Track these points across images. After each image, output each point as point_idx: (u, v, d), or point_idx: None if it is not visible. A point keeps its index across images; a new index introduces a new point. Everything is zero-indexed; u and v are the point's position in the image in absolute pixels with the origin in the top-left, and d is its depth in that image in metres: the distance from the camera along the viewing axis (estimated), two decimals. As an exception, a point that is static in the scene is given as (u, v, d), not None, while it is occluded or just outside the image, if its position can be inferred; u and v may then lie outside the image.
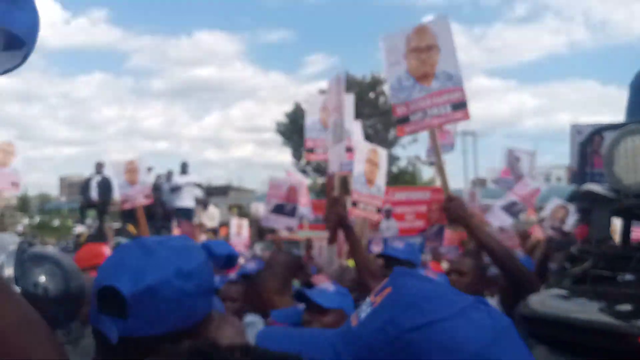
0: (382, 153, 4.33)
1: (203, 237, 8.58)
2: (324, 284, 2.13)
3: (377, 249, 4.73)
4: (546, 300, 1.75)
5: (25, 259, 1.60)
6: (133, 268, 0.88)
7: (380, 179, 4.23)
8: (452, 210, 2.38)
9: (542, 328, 1.64)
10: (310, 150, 4.89)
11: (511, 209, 5.21)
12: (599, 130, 2.94)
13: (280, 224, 6.06)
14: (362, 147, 4.27)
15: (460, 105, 2.73)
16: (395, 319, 0.60)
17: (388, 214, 4.66)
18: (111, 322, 0.85)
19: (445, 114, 2.75)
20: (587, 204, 2.23)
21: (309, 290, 2.04)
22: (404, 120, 2.87)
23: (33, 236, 14.13)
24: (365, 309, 0.66)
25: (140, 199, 5.47)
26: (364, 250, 2.65)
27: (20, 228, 18.22)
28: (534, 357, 0.96)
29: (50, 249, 2.18)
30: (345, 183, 4.10)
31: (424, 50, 2.82)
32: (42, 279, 1.62)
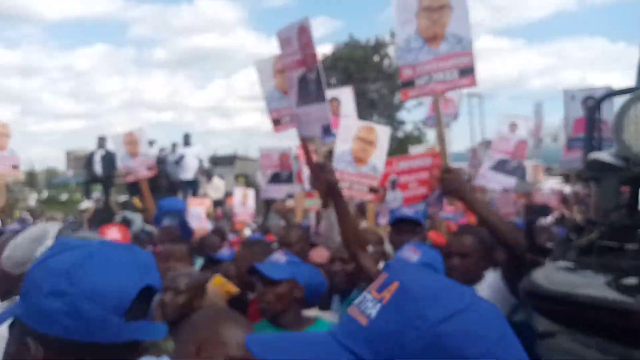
0: (381, 131, 4.18)
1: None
2: (276, 256, 2.24)
3: (384, 220, 4.71)
4: (551, 275, 1.70)
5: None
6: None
7: (377, 158, 4.09)
8: (448, 183, 2.31)
9: (548, 304, 1.60)
10: (277, 122, 4.63)
11: (504, 168, 5.01)
12: (608, 96, 2.85)
13: (280, 192, 6.02)
14: (351, 125, 4.14)
15: (467, 71, 2.63)
16: (423, 312, 0.61)
17: (393, 185, 4.62)
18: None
19: (451, 80, 2.65)
20: (594, 172, 2.15)
21: (259, 265, 2.14)
22: (409, 83, 2.78)
23: (40, 212, 14.27)
24: (372, 306, 0.65)
25: (142, 171, 5.52)
26: (353, 220, 2.50)
27: (31, 204, 18.43)
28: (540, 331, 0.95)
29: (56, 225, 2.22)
30: (331, 154, 4.00)
31: (436, 9, 2.72)
32: None
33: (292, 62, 2.73)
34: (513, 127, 7.79)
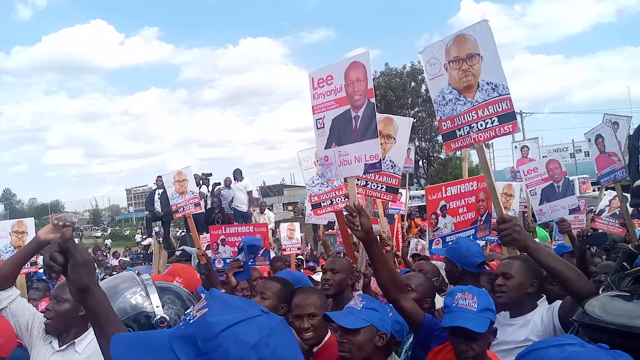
0: (401, 123, 3.77)
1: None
2: (354, 301, 2.18)
3: (436, 246, 4.75)
4: (607, 305, 1.66)
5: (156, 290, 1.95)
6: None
7: (396, 153, 3.70)
8: (506, 233, 2.16)
9: (605, 335, 1.50)
10: (318, 205, 4.63)
11: (554, 195, 4.79)
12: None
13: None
14: None
15: (507, 117, 2.61)
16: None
17: (444, 211, 4.62)
18: None
19: (492, 128, 2.65)
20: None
21: (334, 314, 2.11)
22: (450, 135, 2.79)
23: (106, 248, 15.07)
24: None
25: (189, 208, 5.89)
26: (389, 265, 2.30)
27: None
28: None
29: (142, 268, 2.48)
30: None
31: (465, 60, 2.72)
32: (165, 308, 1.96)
33: (330, 102, 2.67)
34: (524, 151, 7.78)
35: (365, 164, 2.57)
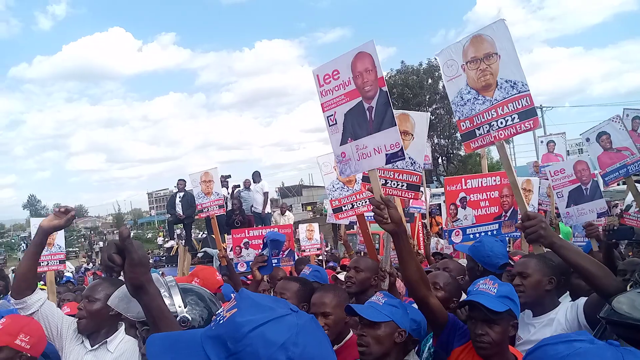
0: (419, 118, 3.68)
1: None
2: (376, 296, 2.20)
3: (457, 239, 4.56)
4: (635, 302, 1.64)
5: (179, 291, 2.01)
6: None
7: (415, 149, 3.61)
8: (531, 231, 2.14)
9: (634, 332, 1.53)
10: (339, 210, 4.63)
11: (582, 198, 4.62)
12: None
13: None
14: None
15: (528, 113, 2.61)
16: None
17: (464, 203, 4.57)
18: None
19: (512, 125, 2.64)
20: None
21: (357, 306, 2.12)
22: (470, 135, 2.79)
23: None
24: None
25: (214, 209, 5.95)
26: (417, 262, 2.21)
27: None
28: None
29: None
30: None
31: (482, 59, 2.73)
32: (187, 308, 2.01)
33: (339, 97, 2.61)
34: (550, 146, 7.64)
35: (386, 154, 2.45)
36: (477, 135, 2.77)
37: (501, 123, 2.67)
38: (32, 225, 5.16)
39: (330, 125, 2.66)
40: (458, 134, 29.66)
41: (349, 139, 2.60)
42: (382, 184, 3.56)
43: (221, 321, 0.97)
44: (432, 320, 2.26)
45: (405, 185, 3.59)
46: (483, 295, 2.08)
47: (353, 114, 2.57)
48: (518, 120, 2.63)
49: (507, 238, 4.93)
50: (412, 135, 3.61)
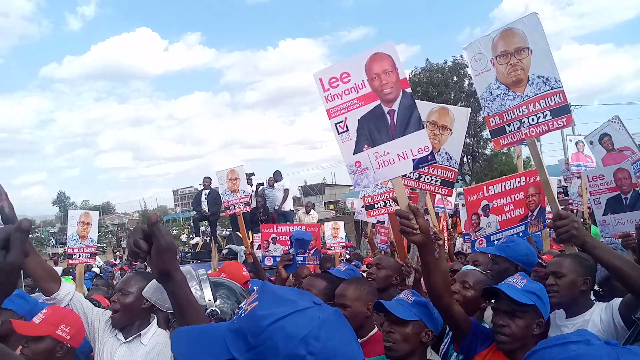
0: (458, 113, 3.53)
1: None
2: (404, 294, 2.18)
3: (481, 248, 4.67)
4: None
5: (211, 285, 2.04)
6: None
7: (452, 145, 3.48)
8: (563, 230, 2.09)
9: None
10: (372, 207, 4.60)
11: (621, 207, 4.32)
12: None
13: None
14: (423, 107, 3.38)
15: (560, 111, 2.53)
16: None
17: (486, 211, 4.51)
18: None
19: (544, 122, 2.57)
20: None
21: (387, 303, 2.09)
22: (499, 131, 2.73)
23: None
24: None
25: (240, 206, 6.02)
26: (444, 271, 2.13)
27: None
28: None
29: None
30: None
31: (513, 54, 2.66)
32: (218, 302, 2.04)
33: (351, 102, 2.41)
34: (579, 145, 7.43)
35: (413, 159, 2.26)
36: (507, 131, 2.71)
37: (532, 120, 2.60)
38: (70, 217, 5.29)
39: (339, 133, 2.42)
40: (484, 133, 29.34)
41: (366, 146, 2.38)
42: (416, 178, 3.47)
43: (242, 314, 0.95)
44: (454, 327, 2.22)
45: (440, 180, 3.49)
46: (509, 286, 2.06)
47: (370, 119, 2.36)
48: (550, 117, 2.55)
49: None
50: (451, 130, 3.50)
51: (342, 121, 2.41)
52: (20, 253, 0.98)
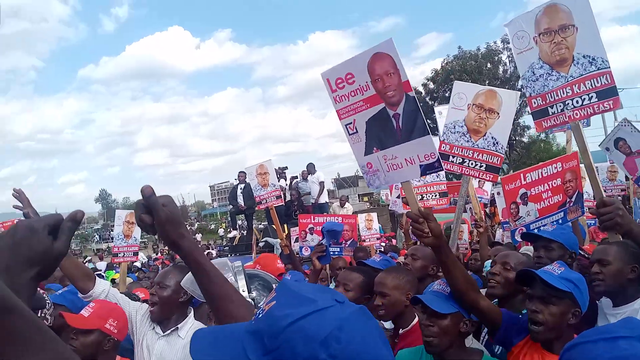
0: (506, 96, 3.40)
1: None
2: (440, 285, 2.13)
3: (520, 237, 4.51)
4: None
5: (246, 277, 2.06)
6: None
7: (499, 129, 3.36)
8: (607, 217, 2.03)
9: None
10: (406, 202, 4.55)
11: None
12: None
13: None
14: (464, 89, 3.45)
15: (607, 92, 2.38)
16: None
17: (525, 199, 4.38)
18: None
19: (589, 105, 2.43)
20: None
21: (424, 297, 2.05)
22: (542, 113, 2.60)
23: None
24: None
25: (272, 200, 6.06)
26: (462, 269, 2.09)
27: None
28: None
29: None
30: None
31: (557, 32, 2.52)
32: (254, 294, 2.05)
33: (357, 103, 2.32)
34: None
35: (420, 165, 2.21)
36: (550, 113, 2.58)
37: (577, 102, 2.47)
38: (117, 217, 5.45)
39: (350, 134, 2.39)
40: (521, 120, 28.46)
41: (375, 148, 2.34)
42: (459, 163, 3.38)
43: (260, 315, 0.89)
44: (485, 321, 2.18)
45: (485, 166, 3.38)
46: (545, 272, 1.99)
47: (376, 122, 2.30)
48: (596, 99, 2.41)
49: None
50: (498, 113, 3.37)
51: (351, 122, 2.38)
52: (68, 242, 0.98)
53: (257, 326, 0.87)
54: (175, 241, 1.22)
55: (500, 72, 28.41)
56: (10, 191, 2.51)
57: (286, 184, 12.20)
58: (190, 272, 2.32)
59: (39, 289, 2.58)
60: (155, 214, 1.18)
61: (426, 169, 2.22)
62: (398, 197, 6.82)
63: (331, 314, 0.85)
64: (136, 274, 10.27)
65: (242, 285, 2.17)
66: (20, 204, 2.45)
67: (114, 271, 10.73)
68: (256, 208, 10.33)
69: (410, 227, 2.09)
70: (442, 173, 4.77)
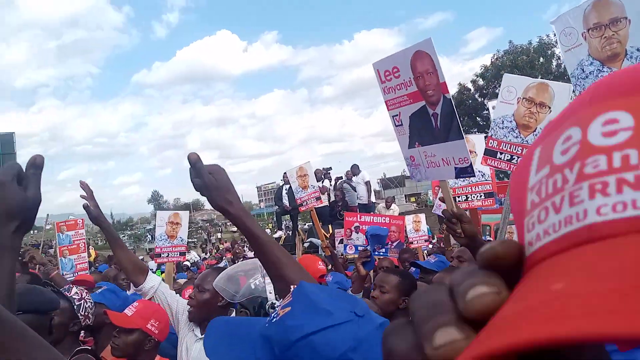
0: (557, 89, 3.23)
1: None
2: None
3: None
4: None
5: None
6: None
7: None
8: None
9: None
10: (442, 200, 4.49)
11: None
12: None
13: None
14: (514, 82, 3.30)
15: None
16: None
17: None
18: None
19: None
20: None
21: None
22: None
23: (242, 242, 16.22)
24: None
25: (312, 201, 6.10)
26: None
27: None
28: None
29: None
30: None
31: (607, 26, 2.37)
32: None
33: (402, 97, 2.35)
34: None
35: (455, 168, 2.23)
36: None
37: None
38: (159, 218, 5.60)
39: (396, 126, 2.43)
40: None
41: (417, 143, 2.38)
42: (507, 160, 3.25)
43: (274, 319, 0.84)
44: None
45: None
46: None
47: (418, 118, 2.33)
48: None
49: None
50: (550, 108, 3.21)
51: (397, 115, 2.42)
52: (38, 189, 0.96)
53: (270, 332, 0.83)
54: (223, 207, 1.23)
55: (554, 67, 27.13)
56: (69, 193, 2.64)
57: (330, 185, 12.19)
58: (226, 270, 2.34)
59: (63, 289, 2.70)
60: (202, 181, 1.21)
61: (460, 173, 2.22)
62: (440, 198, 6.65)
63: (347, 331, 0.78)
64: (185, 273, 10.56)
65: (270, 288, 2.17)
66: (85, 194, 2.53)
67: (160, 271, 11.09)
68: (299, 210, 10.41)
69: (445, 226, 2.15)
70: (488, 172, 4.57)
